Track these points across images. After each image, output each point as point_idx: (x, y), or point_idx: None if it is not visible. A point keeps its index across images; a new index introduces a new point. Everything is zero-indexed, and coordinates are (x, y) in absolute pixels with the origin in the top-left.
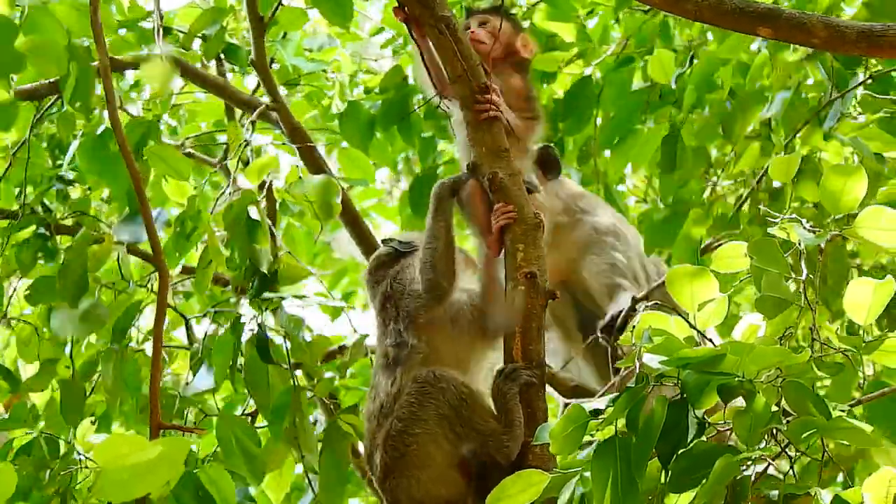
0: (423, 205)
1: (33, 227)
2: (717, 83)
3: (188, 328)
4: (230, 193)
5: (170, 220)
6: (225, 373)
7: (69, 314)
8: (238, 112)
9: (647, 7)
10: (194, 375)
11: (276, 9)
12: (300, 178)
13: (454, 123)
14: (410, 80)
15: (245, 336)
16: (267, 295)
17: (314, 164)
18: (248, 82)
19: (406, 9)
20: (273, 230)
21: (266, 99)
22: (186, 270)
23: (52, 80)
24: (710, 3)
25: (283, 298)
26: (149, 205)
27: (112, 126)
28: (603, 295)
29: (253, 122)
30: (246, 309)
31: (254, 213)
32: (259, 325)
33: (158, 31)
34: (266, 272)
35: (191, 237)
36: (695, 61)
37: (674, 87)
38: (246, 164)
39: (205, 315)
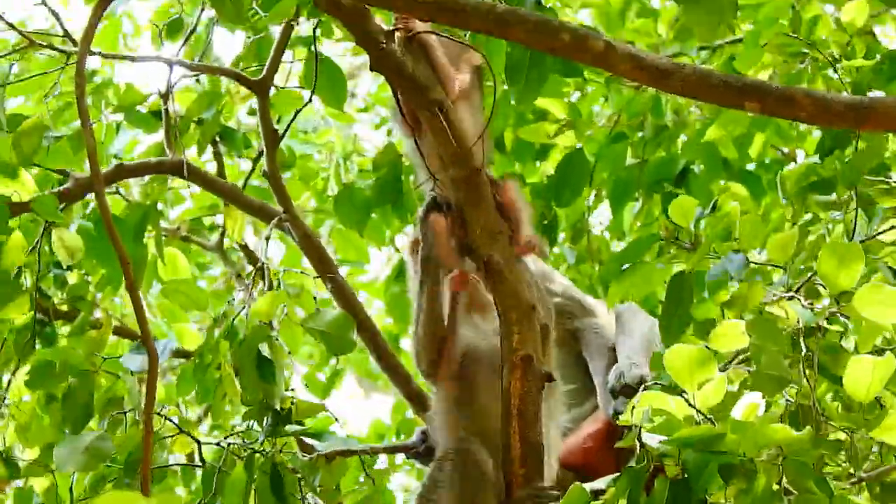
0: None
1: (31, 313)
2: (732, 235)
3: (199, 451)
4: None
5: (180, 348)
6: None
7: (73, 446)
8: None
9: (637, 84)
10: None
11: (292, 122)
12: (317, 309)
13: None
14: (404, 159)
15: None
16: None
17: (325, 269)
18: (244, 165)
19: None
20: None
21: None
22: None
23: None
24: (696, 77)
25: (298, 435)
26: (138, 290)
27: (100, 209)
28: (561, 339)
29: (268, 237)
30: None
31: (265, 350)
32: (274, 463)
33: (169, 136)
34: (280, 409)
35: (208, 369)
36: (716, 208)
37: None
38: (244, 247)
39: (217, 444)
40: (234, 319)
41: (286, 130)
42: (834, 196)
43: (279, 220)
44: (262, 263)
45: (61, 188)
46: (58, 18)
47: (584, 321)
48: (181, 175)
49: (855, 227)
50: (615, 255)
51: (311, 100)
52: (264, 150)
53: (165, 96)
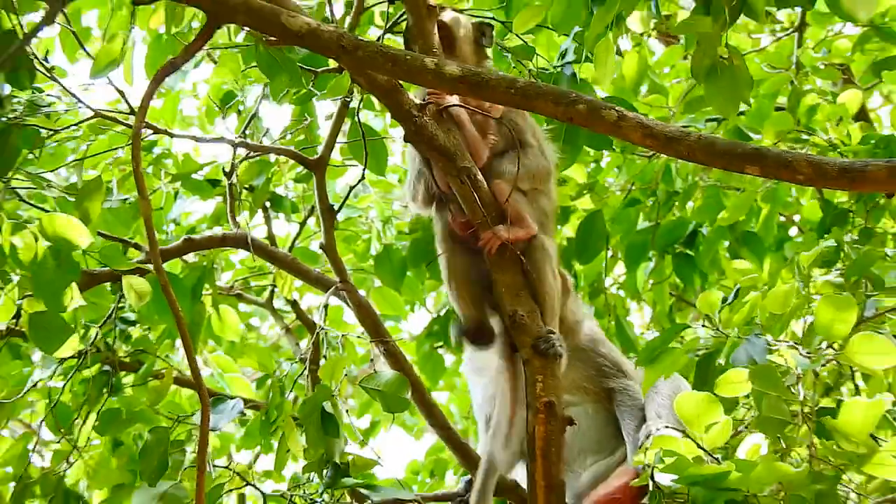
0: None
1: (98, 365)
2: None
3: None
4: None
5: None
6: None
7: (150, 493)
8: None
9: (650, 153)
10: None
11: (346, 198)
12: (374, 371)
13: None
14: None
15: None
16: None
17: (378, 334)
18: (292, 228)
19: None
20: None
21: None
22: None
23: None
24: (701, 144)
25: (354, 487)
26: (191, 343)
27: (155, 270)
28: (598, 395)
29: (325, 305)
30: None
31: (328, 407)
32: None
33: (233, 211)
34: (339, 463)
35: (275, 423)
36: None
37: (717, 317)
38: (293, 304)
39: (281, 495)
40: (297, 379)
41: (341, 206)
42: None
43: (336, 289)
44: (322, 328)
45: (136, 262)
46: (122, 95)
47: (620, 382)
48: (244, 247)
49: (864, 309)
50: (649, 343)
51: (363, 177)
52: (321, 224)
53: (229, 174)
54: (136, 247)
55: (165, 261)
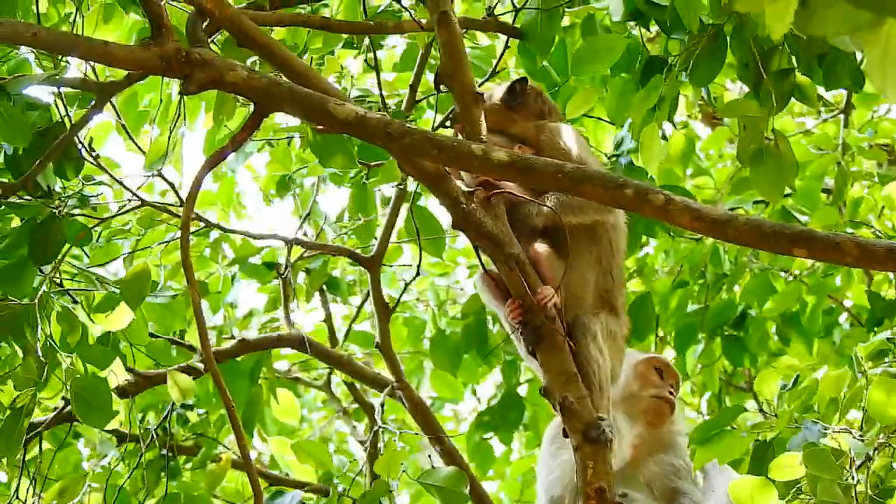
0: (506, 423)
1: (156, 449)
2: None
3: None
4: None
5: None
6: None
7: None
8: (339, 334)
9: (697, 236)
10: None
11: (402, 295)
12: (433, 467)
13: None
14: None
15: None
16: None
17: (433, 432)
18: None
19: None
20: None
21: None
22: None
23: None
24: (749, 227)
25: None
26: (240, 426)
27: (206, 359)
28: (664, 493)
29: (382, 404)
30: None
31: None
32: None
33: (287, 311)
34: None
35: None
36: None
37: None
38: (350, 386)
39: None
40: (355, 477)
41: (396, 305)
42: None
43: (392, 389)
44: (381, 426)
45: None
46: (172, 187)
47: (686, 485)
48: (300, 348)
49: None
50: (703, 424)
51: (418, 273)
52: (377, 322)
53: (284, 277)
54: (191, 348)
55: (219, 361)
